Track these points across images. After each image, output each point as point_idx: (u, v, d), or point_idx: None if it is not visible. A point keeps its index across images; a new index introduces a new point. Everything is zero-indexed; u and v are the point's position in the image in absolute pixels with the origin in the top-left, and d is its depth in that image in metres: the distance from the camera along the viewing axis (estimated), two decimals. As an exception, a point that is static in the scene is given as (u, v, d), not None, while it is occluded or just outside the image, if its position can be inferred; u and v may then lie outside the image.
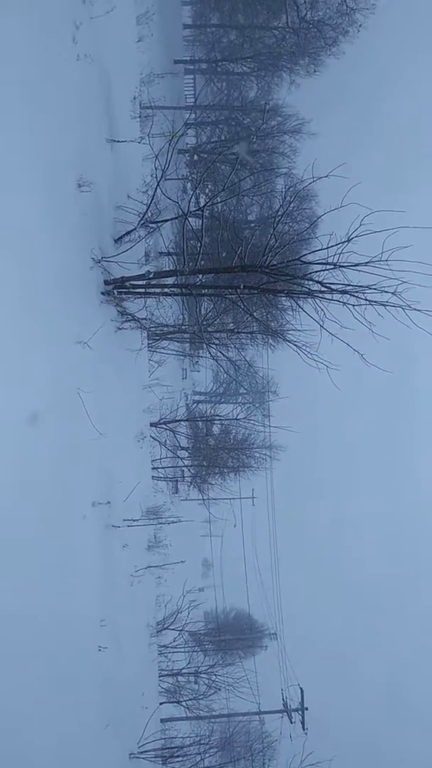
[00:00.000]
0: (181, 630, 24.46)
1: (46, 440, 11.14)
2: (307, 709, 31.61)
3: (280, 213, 16.85)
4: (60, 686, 11.07)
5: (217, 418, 35.33)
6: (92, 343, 13.58)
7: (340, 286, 13.45)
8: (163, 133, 18.62)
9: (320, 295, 13.81)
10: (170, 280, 16.34)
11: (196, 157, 34.25)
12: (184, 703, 25.30)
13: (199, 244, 14.81)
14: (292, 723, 32.04)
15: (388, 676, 66.33)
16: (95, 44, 15.40)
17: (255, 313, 16.41)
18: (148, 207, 16.19)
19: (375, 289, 12.96)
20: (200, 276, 15.77)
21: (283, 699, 33.11)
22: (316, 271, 13.79)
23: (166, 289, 16.70)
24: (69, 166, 13.40)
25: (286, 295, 14.86)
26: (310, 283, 13.90)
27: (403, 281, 12.58)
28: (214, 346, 21.20)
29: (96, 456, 14.46)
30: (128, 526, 16.93)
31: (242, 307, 15.68)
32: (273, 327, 18.05)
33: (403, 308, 12.84)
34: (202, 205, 15.99)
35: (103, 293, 15.47)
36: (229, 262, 14.73)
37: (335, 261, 13.22)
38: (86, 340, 13.39)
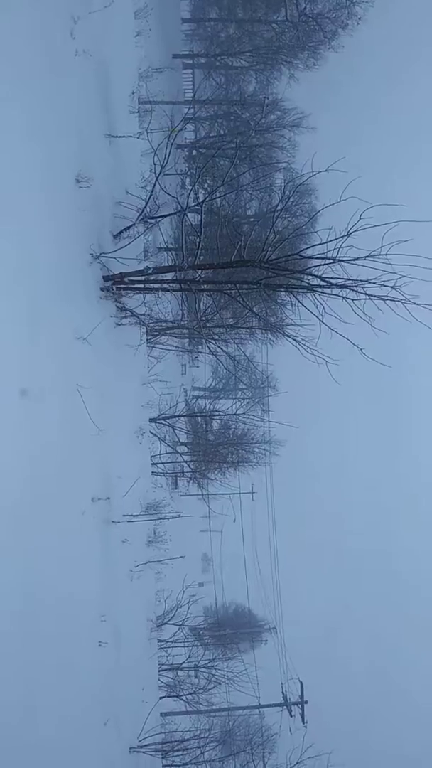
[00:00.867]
0: (180, 625, 24.52)
1: (45, 436, 11.15)
2: (306, 702, 31.73)
3: (279, 208, 16.82)
4: (60, 680, 11.10)
5: (217, 413, 35.34)
6: (91, 338, 13.58)
7: (340, 280, 13.44)
8: (161, 128, 18.55)
9: (319, 289, 13.79)
10: (169, 276, 16.31)
11: (194, 152, 34.14)
12: (184, 698, 25.40)
13: (198, 240, 14.78)
14: (291, 716, 32.16)
15: (388, 669, 66.59)
16: (93, 39, 15.33)
17: (254, 308, 16.41)
18: (147, 202, 16.15)
19: (374, 283, 12.95)
20: (199, 271, 15.73)
21: (282, 692, 33.24)
22: (316, 266, 13.77)
23: (165, 285, 16.68)
24: (68, 161, 13.36)
25: (286, 289, 14.85)
26: (310, 277, 13.89)
27: (403, 275, 12.57)
28: (213, 341, 21.19)
29: (95, 452, 14.47)
30: (128, 521, 16.96)
31: (241, 302, 15.67)
32: (272, 322, 18.04)
33: (402, 302, 12.83)
34: (201, 200, 15.94)
35: (102, 289, 15.45)
36: (228, 258, 14.70)
37: (334, 255, 13.21)
38: (85, 336, 13.38)
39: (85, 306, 14.29)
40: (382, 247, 12.50)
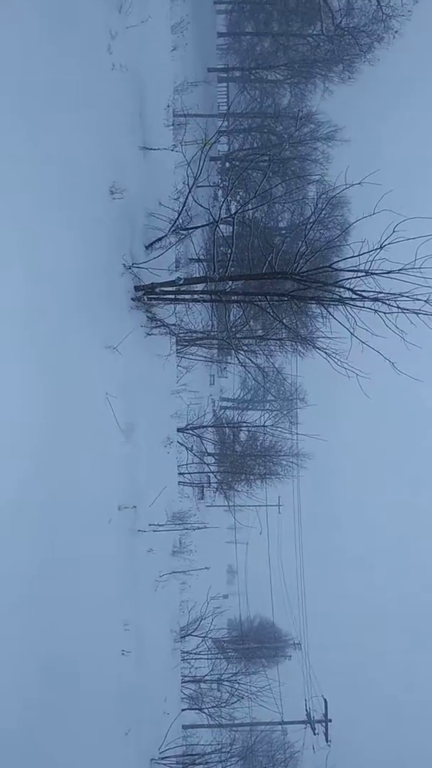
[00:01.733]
0: (204, 636, 24.36)
1: (74, 444, 11.24)
2: (330, 721, 31.21)
3: (311, 220, 16.77)
4: (82, 688, 11.11)
5: (245, 424, 35.23)
6: (121, 348, 13.69)
7: (372, 293, 13.33)
8: (195, 141, 18.72)
9: (351, 302, 13.69)
10: (200, 287, 16.38)
11: (228, 164, 34.34)
12: (206, 710, 25.17)
13: (229, 251, 14.83)
14: (315, 734, 31.65)
15: (414, 690, 65.09)
16: (130, 53, 15.59)
17: (284, 320, 16.35)
18: (180, 214, 16.28)
19: (407, 296, 12.81)
20: (230, 282, 15.77)
21: (306, 710, 32.74)
22: (348, 278, 13.68)
23: (195, 296, 16.75)
24: (102, 173, 13.56)
25: (317, 302, 14.77)
26: (341, 290, 13.80)
27: (437, 289, 12.41)
28: (242, 352, 21.17)
29: (123, 460, 14.54)
30: (154, 530, 16.96)
31: (272, 313, 15.63)
32: (302, 334, 17.95)
33: (435, 316, 12.67)
34: (233, 212, 16.01)
35: (133, 299, 15.58)
36: (259, 269, 14.71)
37: (367, 268, 13.10)
38: (116, 345, 13.49)
39: (116, 315, 14.43)
40: (416, 260, 12.38)
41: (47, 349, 10.22)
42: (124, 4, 15.15)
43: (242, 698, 25.16)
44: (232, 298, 16.52)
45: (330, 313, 14.60)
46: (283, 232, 29.27)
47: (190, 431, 26.90)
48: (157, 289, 15.76)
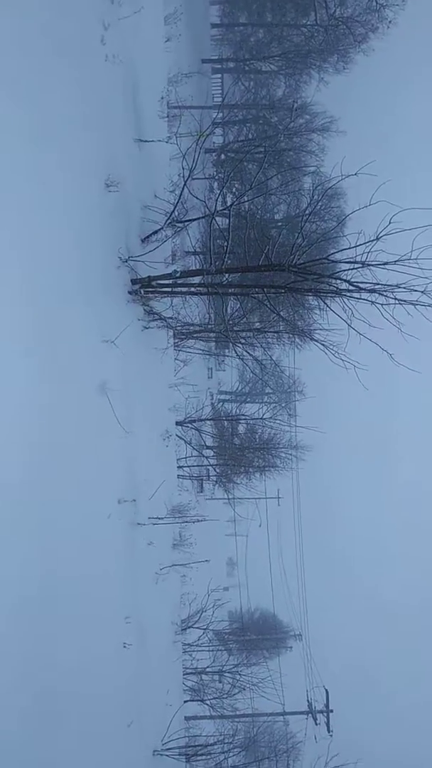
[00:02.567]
0: (205, 629, 24.46)
1: (73, 438, 11.24)
2: (332, 711, 31.37)
3: (307, 212, 16.74)
4: (85, 681, 11.16)
5: (243, 417, 35.25)
6: (119, 341, 13.67)
7: (369, 285, 13.32)
8: (190, 133, 18.63)
9: (348, 294, 13.68)
10: (197, 280, 16.35)
11: (223, 156, 34.21)
12: (208, 702, 25.31)
13: (225, 243, 14.79)
14: (317, 725, 31.83)
15: (416, 679, 65.48)
16: (123, 45, 15.48)
17: (282, 312, 16.34)
18: (175, 206, 16.22)
19: (404, 287, 12.80)
20: (227, 275, 15.74)
21: (308, 700, 32.92)
22: (344, 270, 13.66)
23: (192, 288, 16.72)
24: (97, 166, 13.50)
25: (314, 294, 14.76)
26: (338, 282, 13.78)
27: (433, 280, 12.40)
28: (240, 345, 21.17)
29: (122, 454, 14.54)
30: (153, 524, 16.99)
31: (269, 306, 15.61)
32: (300, 326, 17.94)
33: (432, 307, 12.66)
34: (229, 204, 15.95)
35: (129, 292, 15.55)
36: (255, 261, 14.68)
37: (363, 260, 13.09)
38: (113, 339, 13.47)
39: (113, 309, 14.40)
40: (412, 251, 12.36)
41: (45, 344, 10.20)
42: (116, -5, 15.03)
43: (244, 689, 25.29)
44: (229, 290, 16.50)
45: (327, 305, 14.59)
46: (280, 224, 29.19)
47: (189, 424, 26.90)
48: (154, 282, 15.72)
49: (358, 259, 13.18)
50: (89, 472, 12.12)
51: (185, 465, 28.31)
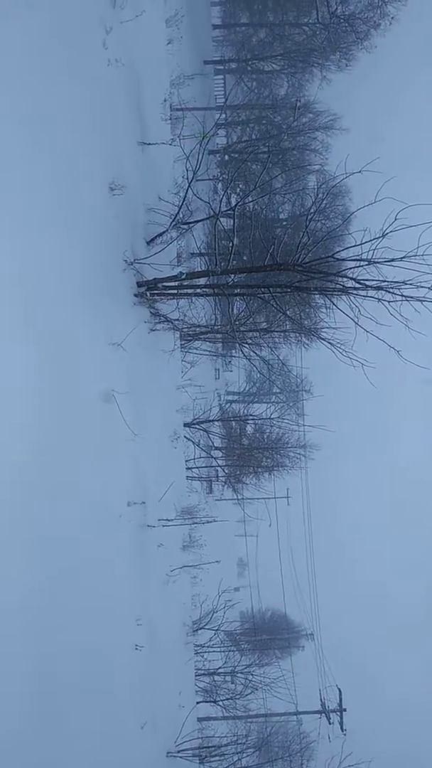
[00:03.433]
0: (217, 630, 24.45)
1: (82, 442, 11.27)
2: (345, 710, 31.29)
3: (312, 210, 16.70)
4: (97, 684, 11.18)
5: (251, 417, 35.23)
6: (126, 344, 13.69)
7: (375, 282, 13.27)
8: (193, 135, 18.63)
9: (355, 291, 13.64)
10: (202, 281, 16.36)
11: (227, 157, 34.22)
12: (220, 703, 25.31)
13: (230, 244, 14.79)
14: (330, 724, 31.76)
15: (428, 677, 65.18)
16: (125, 48, 15.51)
17: (288, 312, 16.32)
18: (180, 208, 16.23)
19: (411, 284, 12.75)
20: (232, 276, 15.73)
21: (320, 700, 32.85)
22: (350, 268, 13.63)
23: (198, 290, 16.73)
24: (101, 170, 13.53)
25: (320, 292, 14.73)
26: (344, 280, 13.75)
27: (440, 276, 12.35)
28: (247, 345, 21.15)
29: (130, 456, 14.56)
30: (163, 525, 17.01)
31: (275, 305, 15.60)
32: (306, 325, 17.91)
33: (440, 303, 12.61)
34: (233, 204, 15.96)
35: (135, 295, 15.57)
36: (261, 261, 14.67)
37: (370, 257, 13.04)
38: (120, 342, 13.50)
39: (119, 312, 14.43)
40: (418, 247, 12.31)
41: (51, 348, 10.23)
42: (118, -2, 15.07)
43: (256, 690, 25.27)
44: (235, 291, 16.48)
45: (333, 304, 14.55)
46: (284, 223, 29.17)
47: (197, 426, 26.92)
48: (160, 285, 15.74)
49: (364, 256, 13.15)
50: (98, 475, 12.14)
51: (194, 466, 28.32)
